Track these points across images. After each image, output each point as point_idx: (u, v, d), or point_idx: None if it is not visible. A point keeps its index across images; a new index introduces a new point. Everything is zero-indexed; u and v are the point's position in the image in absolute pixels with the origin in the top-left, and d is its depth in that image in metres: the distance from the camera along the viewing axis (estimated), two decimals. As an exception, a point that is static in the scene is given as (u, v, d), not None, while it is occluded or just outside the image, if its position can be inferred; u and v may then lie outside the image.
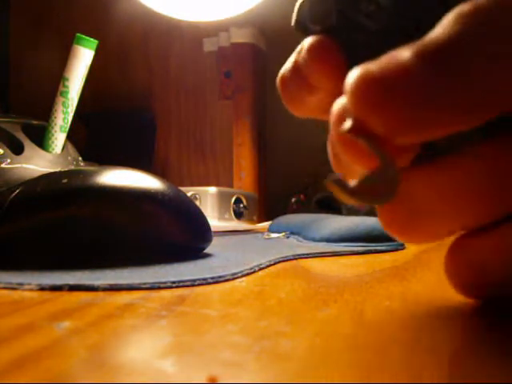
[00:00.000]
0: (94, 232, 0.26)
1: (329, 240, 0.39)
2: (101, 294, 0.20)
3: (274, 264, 0.29)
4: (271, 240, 0.44)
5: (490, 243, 0.15)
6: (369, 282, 0.24)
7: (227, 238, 0.47)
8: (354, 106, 0.14)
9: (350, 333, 0.15)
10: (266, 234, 0.48)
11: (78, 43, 0.32)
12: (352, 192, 0.14)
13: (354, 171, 0.16)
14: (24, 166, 0.30)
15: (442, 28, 0.14)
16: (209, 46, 0.93)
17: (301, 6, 0.17)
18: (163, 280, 0.21)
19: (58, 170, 0.30)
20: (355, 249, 0.37)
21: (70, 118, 0.33)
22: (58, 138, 0.33)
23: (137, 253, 0.27)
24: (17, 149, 0.31)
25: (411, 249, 0.41)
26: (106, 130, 0.96)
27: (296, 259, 0.32)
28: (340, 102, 0.15)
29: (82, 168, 0.32)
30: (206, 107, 0.94)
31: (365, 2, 0.16)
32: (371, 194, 0.14)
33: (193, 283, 0.22)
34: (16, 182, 0.27)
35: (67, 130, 0.33)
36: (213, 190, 0.71)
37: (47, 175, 0.27)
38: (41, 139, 0.33)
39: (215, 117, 0.94)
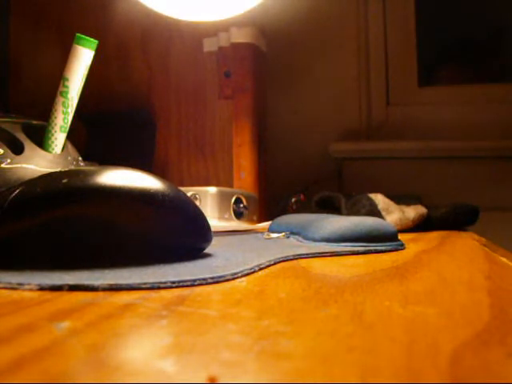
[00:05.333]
0: (93, 232, 0.26)
1: (329, 240, 0.39)
2: (101, 293, 0.20)
3: (274, 264, 0.29)
4: (271, 240, 0.44)
5: None
6: (369, 282, 0.24)
7: (227, 238, 0.47)
8: None
9: (350, 333, 0.15)
10: (265, 233, 0.48)
11: (77, 43, 0.32)
12: None
13: None
14: (24, 166, 0.30)
15: None
16: (209, 45, 0.93)
17: None
18: (163, 280, 0.21)
19: (57, 169, 0.30)
20: (355, 249, 0.37)
21: (69, 118, 0.33)
22: (58, 138, 0.33)
23: (137, 253, 0.27)
24: (17, 149, 0.31)
25: (411, 249, 0.41)
26: (106, 129, 0.96)
27: (296, 259, 0.32)
28: None
29: (82, 168, 0.32)
30: (206, 107, 0.94)
31: None
32: None
33: (193, 283, 0.22)
34: (16, 182, 0.27)
35: (67, 130, 0.33)
36: (213, 190, 0.71)
37: (47, 175, 0.27)
38: (41, 139, 0.33)
39: (215, 117, 0.93)
